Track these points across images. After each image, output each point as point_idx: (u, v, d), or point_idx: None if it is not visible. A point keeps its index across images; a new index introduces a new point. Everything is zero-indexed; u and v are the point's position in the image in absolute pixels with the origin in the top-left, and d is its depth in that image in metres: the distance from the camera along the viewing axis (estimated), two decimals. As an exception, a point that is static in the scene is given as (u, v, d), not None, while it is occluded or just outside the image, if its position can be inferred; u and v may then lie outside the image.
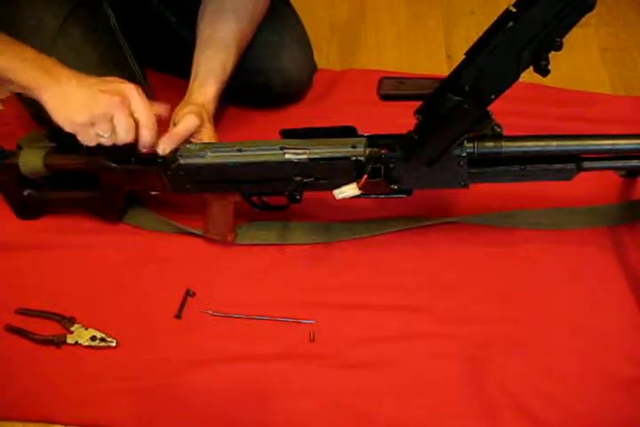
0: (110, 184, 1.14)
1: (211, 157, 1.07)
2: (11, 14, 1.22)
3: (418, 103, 0.96)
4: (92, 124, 1.02)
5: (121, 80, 1.05)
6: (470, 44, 0.88)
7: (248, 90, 1.34)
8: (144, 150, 1.07)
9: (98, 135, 1.03)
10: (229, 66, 1.20)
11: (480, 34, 0.87)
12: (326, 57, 1.54)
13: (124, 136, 1.03)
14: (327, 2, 1.69)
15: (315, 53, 1.41)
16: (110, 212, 1.20)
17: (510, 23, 0.82)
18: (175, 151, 1.08)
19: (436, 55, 1.54)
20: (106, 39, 1.27)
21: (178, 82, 1.29)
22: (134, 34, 1.32)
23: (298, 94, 1.41)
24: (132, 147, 1.06)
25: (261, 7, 1.24)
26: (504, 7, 0.84)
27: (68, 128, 1.03)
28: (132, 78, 1.27)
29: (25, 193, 1.19)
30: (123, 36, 1.29)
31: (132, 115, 1.03)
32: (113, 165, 1.10)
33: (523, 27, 0.82)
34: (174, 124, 1.11)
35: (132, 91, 1.03)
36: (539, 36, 0.83)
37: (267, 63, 1.32)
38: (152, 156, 1.09)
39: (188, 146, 1.08)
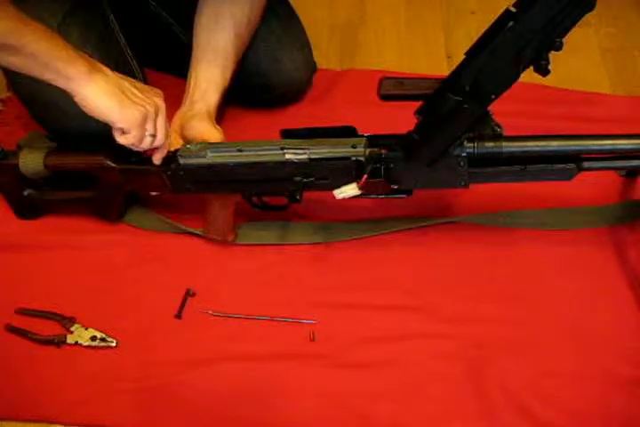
0: (110, 184, 1.14)
1: (211, 157, 1.07)
2: None
3: (418, 103, 0.96)
4: (145, 122, 1.02)
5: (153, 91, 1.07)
6: (470, 44, 0.88)
7: (248, 91, 1.34)
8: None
9: (145, 134, 1.03)
10: (229, 72, 1.19)
11: (480, 34, 0.87)
12: (326, 57, 1.54)
13: (162, 138, 1.05)
14: (327, 2, 1.68)
15: (315, 53, 1.40)
16: (110, 212, 1.20)
17: (510, 23, 0.82)
18: (175, 151, 1.08)
19: (436, 55, 1.54)
20: (105, 39, 1.26)
21: (177, 81, 1.29)
22: (133, 34, 1.31)
23: (298, 95, 1.40)
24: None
25: (257, 10, 1.24)
26: (504, 7, 0.84)
27: (124, 124, 1.01)
28: (131, 78, 1.27)
29: (25, 193, 1.19)
30: (122, 35, 1.29)
31: None
32: (113, 164, 1.10)
33: (523, 27, 0.82)
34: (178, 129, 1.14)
35: (163, 102, 1.06)
36: (539, 36, 0.83)
37: (266, 65, 1.31)
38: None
39: (188, 146, 1.08)
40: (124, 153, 1.09)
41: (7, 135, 1.28)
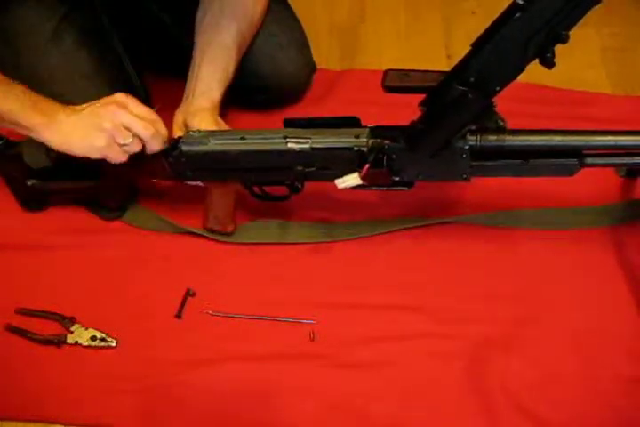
0: (112, 172, 1.12)
1: (213, 145, 1.06)
2: (3, 18, 1.22)
3: (420, 100, 0.96)
4: (114, 140, 1.03)
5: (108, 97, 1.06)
6: (470, 44, 0.88)
7: (247, 92, 1.33)
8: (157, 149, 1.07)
9: (123, 146, 1.04)
10: (231, 69, 1.19)
11: (480, 34, 0.87)
12: (326, 57, 1.53)
13: (145, 134, 1.04)
14: (327, 2, 1.69)
15: (314, 53, 1.40)
16: (112, 201, 1.19)
17: (517, 14, 0.82)
18: (178, 138, 1.08)
19: (436, 55, 1.54)
20: (101, 43, 1.26)
21: (175, 83, 1.28)
22: (130, 36, 1.31)
23: (297, 96, 1.40)
24: None
25: (260, 10, 1.24)
26: (504, 6, 0.84)
27: (95, 155, 1.05)
28: (128, 81, 1.28)
29: (29, 183, 1.18)
30: (118, 38, 1.29)
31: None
32: None
33: (529, 18, 0.82)
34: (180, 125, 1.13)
35: (122, 96, 1.05)
36: (545, 29, 0.82)
37: (265, 67, 1.31)
38: None
39: (191, 133, 1.08)
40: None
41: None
